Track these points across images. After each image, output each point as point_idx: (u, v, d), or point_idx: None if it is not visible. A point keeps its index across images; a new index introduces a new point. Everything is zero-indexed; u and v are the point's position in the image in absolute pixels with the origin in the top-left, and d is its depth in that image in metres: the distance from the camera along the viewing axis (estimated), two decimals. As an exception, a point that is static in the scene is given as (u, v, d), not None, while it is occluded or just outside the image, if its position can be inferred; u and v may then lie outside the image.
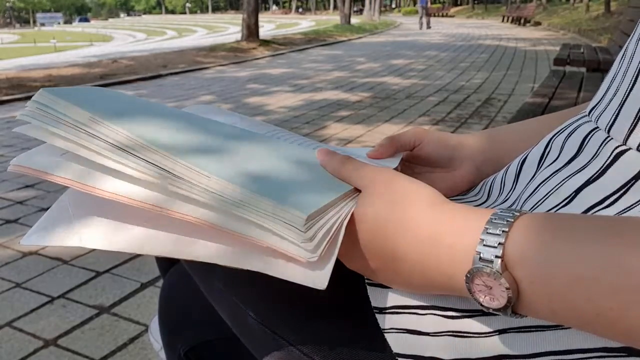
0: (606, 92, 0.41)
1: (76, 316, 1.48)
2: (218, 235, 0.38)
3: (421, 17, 19.44)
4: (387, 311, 0.41)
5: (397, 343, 0.40)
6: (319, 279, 0.35)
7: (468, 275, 0.32)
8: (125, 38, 24.17)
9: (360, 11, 39.76)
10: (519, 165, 0.47)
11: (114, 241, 0.39)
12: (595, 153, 0.38)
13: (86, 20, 68.03)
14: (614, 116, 0.38)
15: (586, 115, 0.43)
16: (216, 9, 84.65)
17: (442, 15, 35.23)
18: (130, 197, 0.38)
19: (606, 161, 0.37)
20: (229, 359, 0.63)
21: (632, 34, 0.41)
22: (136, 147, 0.38)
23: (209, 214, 0.37)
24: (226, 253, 0.38)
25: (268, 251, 0.37)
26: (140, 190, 0.38)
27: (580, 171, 0.39)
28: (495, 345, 0.37)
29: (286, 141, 0.52)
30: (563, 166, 0.41)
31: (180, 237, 0.39)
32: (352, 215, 0.38)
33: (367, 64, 7.92)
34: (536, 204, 0.40)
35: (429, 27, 19.13)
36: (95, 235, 0.39)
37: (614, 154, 0.37)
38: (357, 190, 0.41)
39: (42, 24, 62.85)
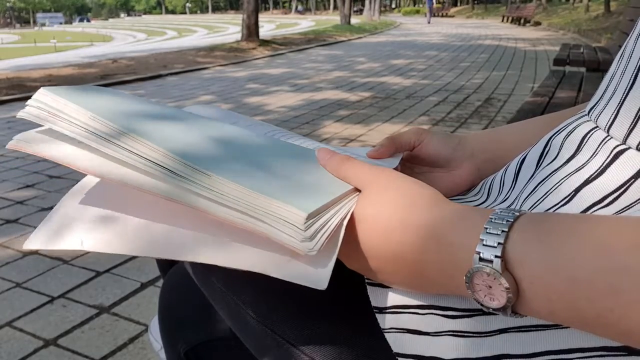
0: (605, 91, 0.41)
1: (76, 316, 1.49)
2: (220, 233, 0.38)
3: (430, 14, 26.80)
4: (387, 311, 0.41)
5: (397, 343, 0.40)
6: (319, 279, 0.35)
7: (468, 275, 0.32)
8: (125, 38, 24.16)
9: (360, 11, 39.72)
10: (519, 164, 0.47)
11: (115, 244, 0.39)
12: (595, 152, 0.38)
13: (86, 20, 68.01)
14: (613, 115, 0.38)
15: (586, 115, 0.43)
16: (216, 9, 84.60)
17: (442, 15, 35.20)
18: (147, 189, 0.38)
19: (605, 160, 0.37)
20: (229, 359, 0.63)
21: (631, 33, 0.41)
22: (138, 146, 0.38)
23: (211, 205, 0.37)
24: (227, 254, 0.38)
25: (267, 248, 0.37)
26: (143, 179, 0.38)
27: (580, 170, 0.39)
28: (496, 344, 0.37)
29: (286, 141, 0.52)
30: (562, 165, 0.41)
31: (179, 240, 0.39)
32: (352, 215, 0.38)
33: (367, 64, 7.92)
34: (535, 202, 0.40)
35: (429, 22, 25.08)
36: (97, 239, 0.40)
37: (613, 153, 0.37)
38: (357, 190, 0.41)
39: (43, 24, 62.80)
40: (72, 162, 0.39)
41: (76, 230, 0.41)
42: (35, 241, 0.41)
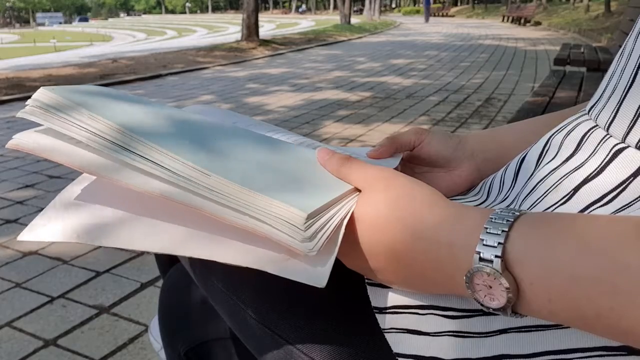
0: (605, 89, 0.41)
1: (76, 316, 1.49)
2: (220, 230, 0.38)
3: (427, 14, 27.81)
4: (387, 311, 0.41)
5: (397, 343, 0.40)
6: (318, 277, 0.35)
7: (468, 275, 0.32)
8: (125, 38, 24.17)
9: (360, 11, 39.76)
10: (518, 163, 0.47)
11: (110, 237, 0.39)
12: (594, 150, 0.38)
13: (86, 20, 68.06)
14: (613, 114, 0.38)
15: (586, 114, 0.43)
16: (216, 8, 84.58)
17: (442, 15, 35.22)
18: (148, 190, 0.37)
19: (605, 159, 0.37)
20: (228, 359, 0.63)
21: (630, 32, 0.41)
22: (138, 146, 0.38)
23: (210, 205, 0.37)
24: (227, 250, 0.38)
25: (267, 245, 0.37)
26: (141, 179, 0.38)
27: (579, 169, 0.39)
28: (496, 345, 0.37)
29: (286, 140, 0.52)
30: (561, 164, 0.41)
31: (179, 235, 0.39)
32: (352, 214, 0.38)
33: (367, 63, 7.92)
34: (535, 201, 0.40)
35: (427, 21, 26.44)
36: (92, 232, 0.40)
37: (612, 151, 0.37)
38: (357, 190, 0.40)
39: (41, 24, 62.87)
40: (69, 161, 0.39)
41: (72, 224, 0.40)
42: (30, 233, 0.41)
